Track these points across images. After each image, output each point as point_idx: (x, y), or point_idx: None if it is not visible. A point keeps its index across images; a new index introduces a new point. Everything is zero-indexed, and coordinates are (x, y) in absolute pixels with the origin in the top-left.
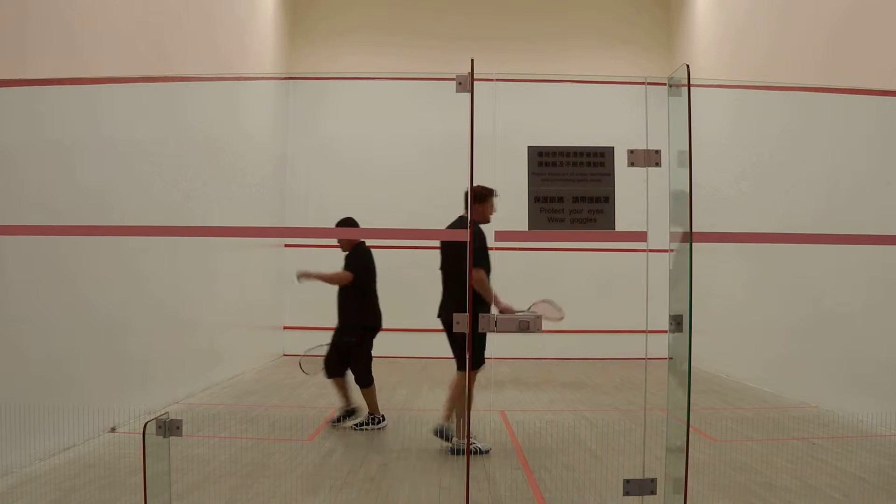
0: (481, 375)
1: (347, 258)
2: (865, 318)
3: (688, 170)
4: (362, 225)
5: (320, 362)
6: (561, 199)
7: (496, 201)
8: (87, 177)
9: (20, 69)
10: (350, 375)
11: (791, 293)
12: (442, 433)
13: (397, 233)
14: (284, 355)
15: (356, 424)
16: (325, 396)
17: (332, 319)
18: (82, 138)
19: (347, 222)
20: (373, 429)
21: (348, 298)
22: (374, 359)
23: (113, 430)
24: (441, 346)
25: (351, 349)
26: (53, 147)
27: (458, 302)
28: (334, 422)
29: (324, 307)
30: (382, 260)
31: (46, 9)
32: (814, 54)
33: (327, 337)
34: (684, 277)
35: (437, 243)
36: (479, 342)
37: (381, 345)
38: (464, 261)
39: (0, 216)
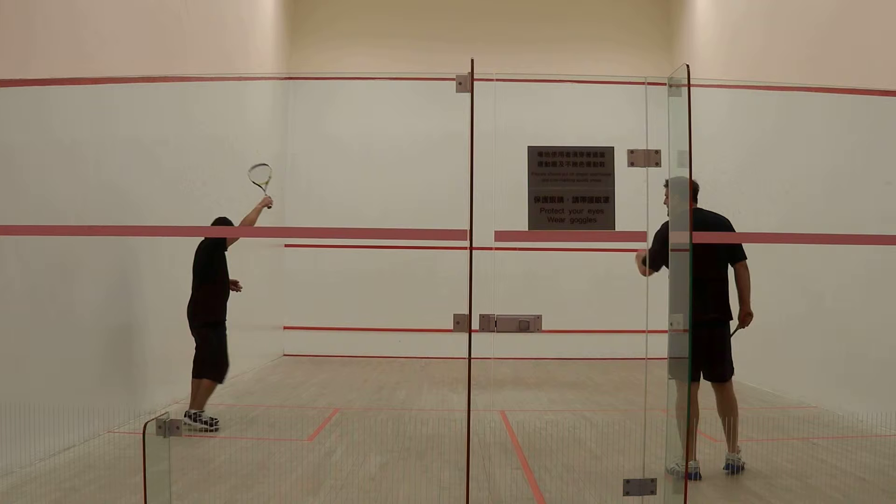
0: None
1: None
2: (865, 318)
3: (688, 170)
4: (364, 224)
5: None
6: (561, 199)
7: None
8: (89, 176)
9: (25, 69)
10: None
11: (791, 293)
12: (733, 468)
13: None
14: (284, 355)
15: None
16: (324, 396)
17: (333, 319)
18: (84, 138)
19: (223, 221)
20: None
21: None
22: (364, 358)
23: None
24: (441, 345)
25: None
26: (56, 146)
27: (724, 304)
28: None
29: (324, 307)
30: (384, 260)
31: (51, 9)
32: (802, 52)
33: (328, 337)
34: (684, 277)
35: (430, 243)
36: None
37: (382, 345)
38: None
39: (3, 216)
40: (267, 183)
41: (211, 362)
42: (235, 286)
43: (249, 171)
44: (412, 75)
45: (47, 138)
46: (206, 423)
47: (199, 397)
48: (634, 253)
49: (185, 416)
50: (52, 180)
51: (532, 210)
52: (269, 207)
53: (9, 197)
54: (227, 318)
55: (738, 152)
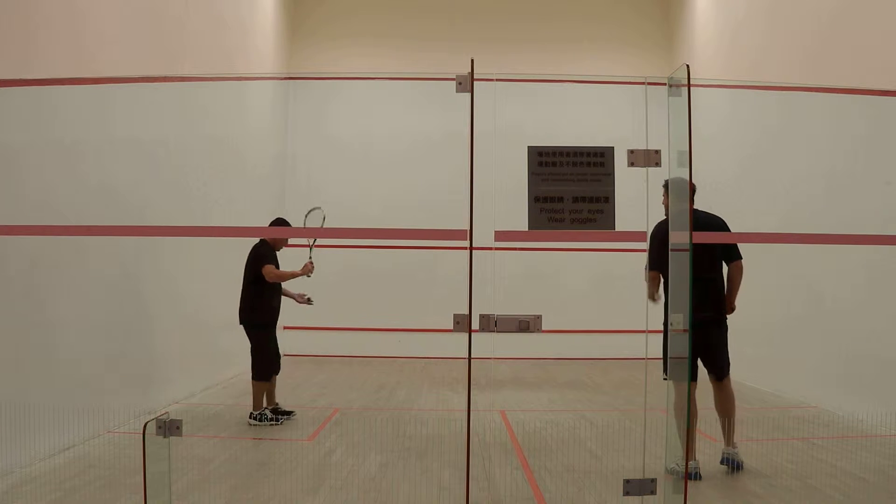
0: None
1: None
2: (865, 317)
3: (688, 170)
4: (365, 224)
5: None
6: (561, 199)
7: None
8: (90, 176)
9: (25, 69)
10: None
11: (791, 293)
12: (731, 463)
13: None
14: (284, 355)
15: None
16: (324, 396)
17: (333, 319)
18: (84, 138)
19: (280, 222)
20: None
21: None
22: (364, 358)
23: None
24: (441, 345)
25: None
26: (56, 146)
27: (720, 303)
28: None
29: (324, 307)
30: (384, 260)
31: (51, 9)
32: (802, 52)
33: (328, 337)
34: (684, 277)
35: (430, 243)
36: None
37: (382, 345)
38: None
39: (4, 216)
40: (315, 243)
41: (255, 362)
42: (302, 298)
43: (309, 212)
44: (412, 75)
45: (47, 138)
46: (271, 419)
47: (254, 399)
48: (637, 259)
49: (250, 417)
50: (52, 180)
51: (532, 210)
52: (309, 276)
53: (9, 197)
54: (276, 320)
55: (738, 152)
